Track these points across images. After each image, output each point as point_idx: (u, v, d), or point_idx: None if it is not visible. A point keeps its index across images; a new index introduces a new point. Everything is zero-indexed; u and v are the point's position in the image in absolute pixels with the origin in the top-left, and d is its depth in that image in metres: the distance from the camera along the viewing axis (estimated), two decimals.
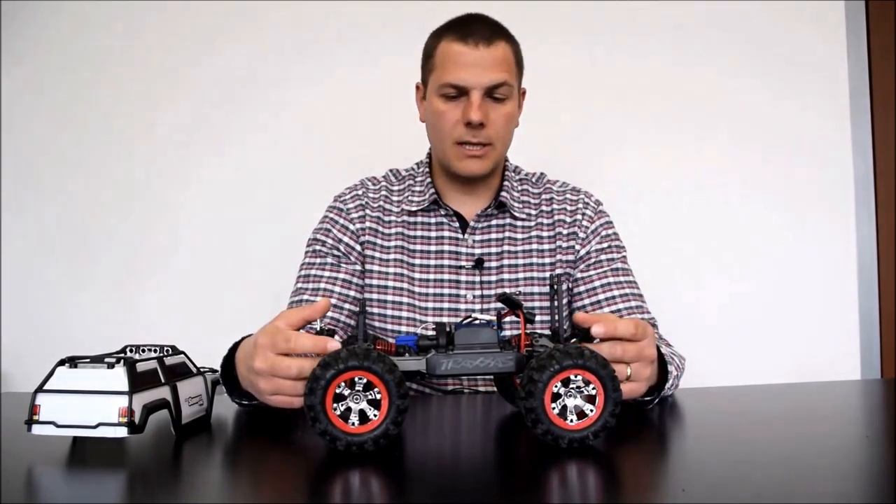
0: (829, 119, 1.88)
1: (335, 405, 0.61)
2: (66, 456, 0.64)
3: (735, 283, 1.85)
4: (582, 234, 1.18)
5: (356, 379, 0.61)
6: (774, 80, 1.88)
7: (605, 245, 1.18)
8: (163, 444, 0.69)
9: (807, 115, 1.87)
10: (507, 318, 0.75)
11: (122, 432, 0.62)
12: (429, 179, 1.19)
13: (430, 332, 0.71)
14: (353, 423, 0.62)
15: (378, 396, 0.62)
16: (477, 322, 0.71)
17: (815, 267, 1.85)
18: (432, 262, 1.16)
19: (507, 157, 1.24)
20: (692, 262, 1.86)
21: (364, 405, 0.62)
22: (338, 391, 0.61)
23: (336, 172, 1.46)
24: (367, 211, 1.19)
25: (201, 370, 0.80)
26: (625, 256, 1.20)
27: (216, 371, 0.86)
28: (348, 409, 0.62)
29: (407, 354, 0.69)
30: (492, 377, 1.10)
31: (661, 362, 0.89)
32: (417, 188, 1.20)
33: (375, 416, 0.62)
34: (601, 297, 1.14)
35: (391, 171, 1.26)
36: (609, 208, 1.24)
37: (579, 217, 1.19)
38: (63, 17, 1.95)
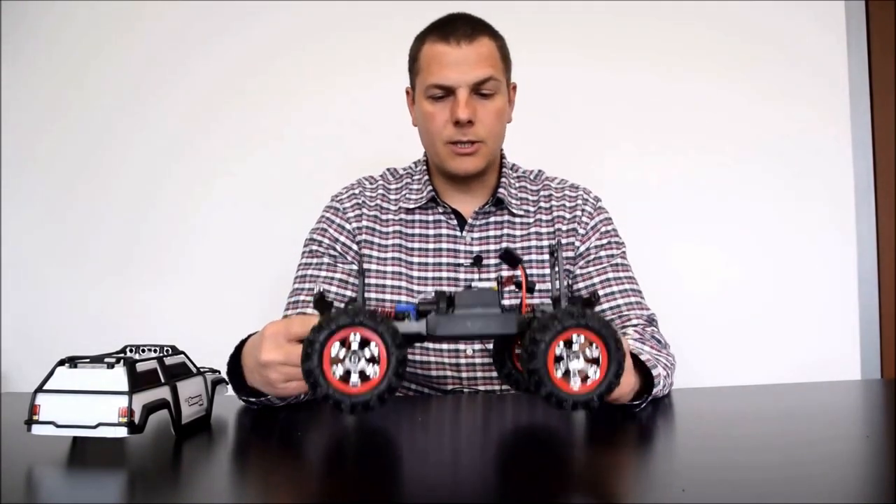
0: (829, 119, 1.87)
1: (333, 368, 0.60)
2: (66, 456, 0.64)
3: (735, 283, 1.85)
4: (581, 231, 1.18)
5: (351, 338, 0.60)
6: (774, 80, 1.88)
7: (604, 241, 1.18)
8: (163, 444, 0.69)
9: (807, 115, 1.87)
10: (508, 288, 0.74)
11: (121, 432, 0.62)
12: (426, 177, 1.19)
13: (430, 297, 0.70)
14: (355, 384, 0.60)
15: (375, 351, 0.60)
16: (477, 289, 0.69)
17: (815, 267, 1.85)
18: (430, 259, 1.16)
19: (505, 155, 1.24)
20: (691, 262, 1.86)
21: (363, 364, 0.60)
22: (334, 354, 0.59)
23: (335, 172, 1.46)
24: (364, 210, 1.19)
25: (201, 370, 0.80)
26: (624, 252, 1.20)
27: (216, 371, 0.86)
28: (348, 371, 0.60)
29: (406, 320, 0.67)
30: (491, 362, 1.11)
31: (644, 368, 0.90)
32: (415, 186, 1.20)
33: (376, 372, 0.60)
34: (600, 293, 1.14)
35: (389, 170, 1.26)
36: (609, 208, 1.24)
37: (578, 213, 1.19)
38: (66, 17, 1.94)
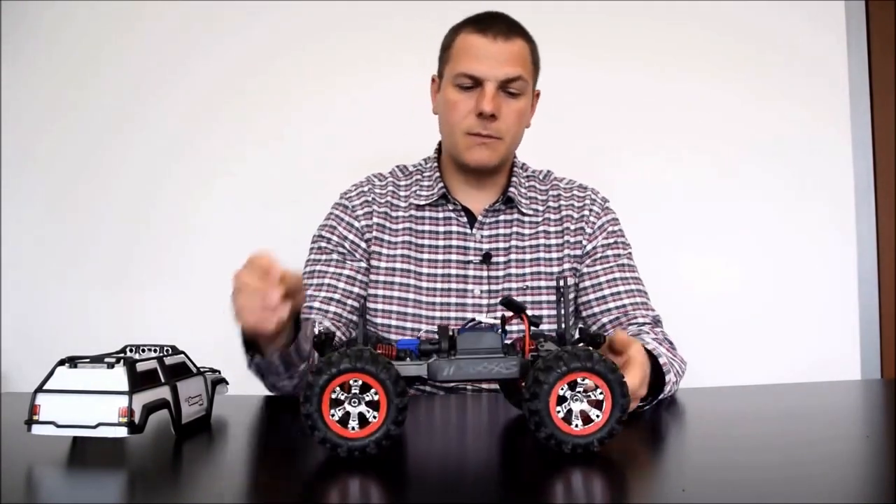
0: (829, 119, 1.87)
1: (332, 411, 0.60)
2: (66, 456, 0.64)
3: (735, 283, 1.85)
4: (589, 230, 1.19)
5: (351, 382, 0.60)
6: (774, 80, 1.88)
7: (611, 241, 1.19)
8: (163, 444, 0.69)
9: (807, 115, 1.87)
10: (513, 321, 0.74)
11: (121, 432, 0.62)
12: (437, 174, 1.19)
13: (433, 336, 0.70)
14: (353, 428, 0.60)
15: (375, 397, 0.60)
16: (481, 325, 0.69)
17: (815, 267, 1.85)
18: (440, 256, 1.16)
19: (516, 155, 1.24)
20: (691, 262, 1.86)
21: (362, 408, 0.60)
22: (334, 396, 0.60)
23: (335, 172, 1.46)
24: (374, 207, 1.19)
25: (201, 370, 0.80)
26: (630, 253, 1.21)
27: (216, 371, 0.86)
28: (347, 414, 0.60)
29: (408, 359, 0.67)
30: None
31: (658, 369, 0.90)
32: (426, 183, 1.20)
33: (375, 417, 0.60)
34: (606, 292, 1.14)
35: (398, 166, 1.27)
36: (613, 209, 1.24)
37: (586, 213, 1.20)
38: (66, 17, 1.94)
